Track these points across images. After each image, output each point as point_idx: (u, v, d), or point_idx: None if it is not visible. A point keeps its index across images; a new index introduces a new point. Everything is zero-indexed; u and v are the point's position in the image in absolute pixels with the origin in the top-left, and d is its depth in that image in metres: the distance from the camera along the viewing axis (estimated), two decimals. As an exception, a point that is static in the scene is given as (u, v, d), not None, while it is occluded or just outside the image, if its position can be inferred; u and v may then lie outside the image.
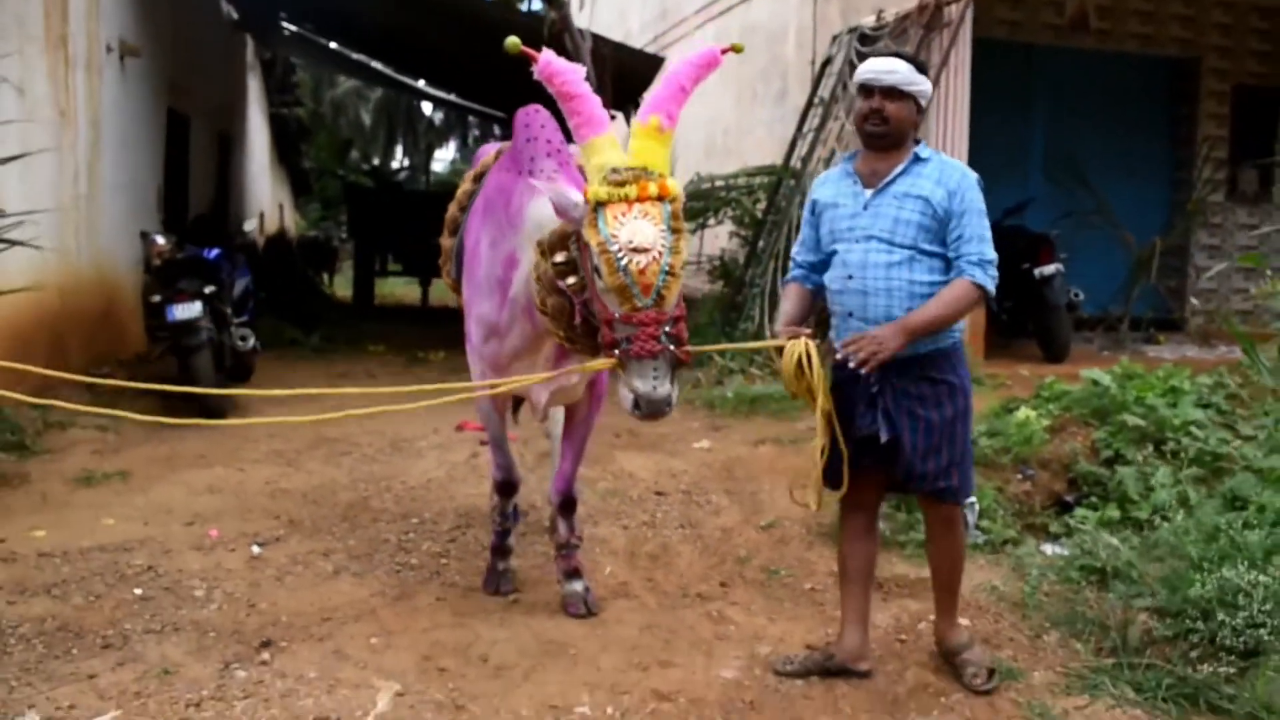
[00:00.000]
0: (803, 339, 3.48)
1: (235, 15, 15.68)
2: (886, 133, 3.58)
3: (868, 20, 9.70)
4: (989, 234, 3.55)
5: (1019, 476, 5.95)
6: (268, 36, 17.63)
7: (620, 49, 11.12)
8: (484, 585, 4.51)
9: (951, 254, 3.52)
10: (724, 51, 3.57)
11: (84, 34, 8.68)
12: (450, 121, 43.15)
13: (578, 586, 4.29)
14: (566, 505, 4.32)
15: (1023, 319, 9.71)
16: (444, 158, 45.88)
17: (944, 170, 3.58)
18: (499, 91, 15.39)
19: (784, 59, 12.10)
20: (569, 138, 3.65)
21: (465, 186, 4.52)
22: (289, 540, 5.04)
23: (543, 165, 3.76)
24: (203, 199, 13.68)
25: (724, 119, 14.01)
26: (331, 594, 4.39)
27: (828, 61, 10.33)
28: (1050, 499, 5.84)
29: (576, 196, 3.33)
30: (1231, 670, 3.59)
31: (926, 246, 3.52)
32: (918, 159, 3.60)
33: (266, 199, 20.84)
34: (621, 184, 3.21)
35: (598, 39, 10.43)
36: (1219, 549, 4.02)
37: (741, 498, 5.82)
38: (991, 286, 3.51)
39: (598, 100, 3.45)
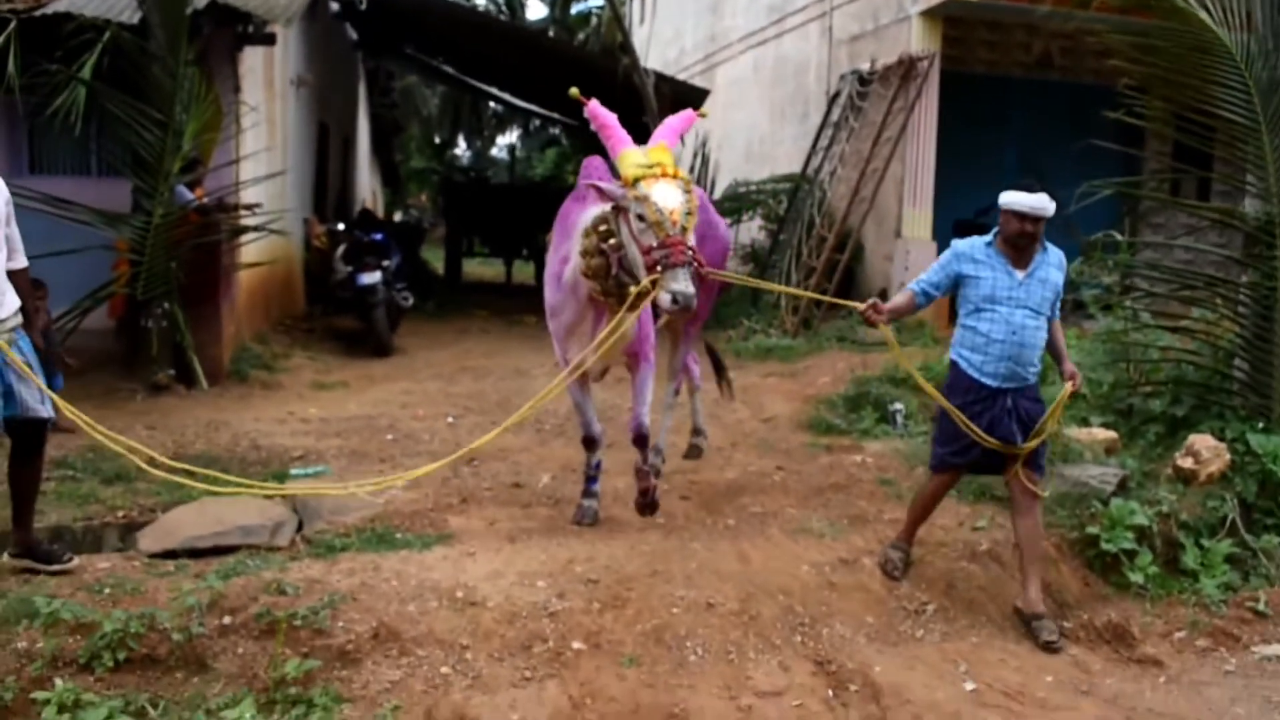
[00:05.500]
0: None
1: (355, 35, 18.83)
2: (1031, 245, 5.05)
3: (865, 66, 12.65)
4: None
5: (940, 396, 8.89)
6: (378, 53, 20.79)
7: (675, 84, 14.11)
8: (574, 519, 5.82)
9: (1050, 309, 5.11)
10: (698, 114, 5.70)
11: (280, 74, 11.81)
12: (511, 110, 45.94)
13: (644, 499, 5.72)
14: (637, 440, 5.71)
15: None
16: (504, 143, 48.54)
17: (1060, 258, 5.14)
18: (568, 101, 18.37)
19: (806, 87, 15.05)
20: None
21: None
22: (467, 417, 8.20)
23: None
24: (334, 190, 16.87)
25: (760, 130, 16.96)
26: (502, 440, 7.43)
27: (837, 95, 13.29)
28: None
29: (618, 187, 4.96)
30: (1006, 477, 6.52)
31: (1046, 312, 5.12)
32: (1045, 250, 5.12)
33: (366, 188, 24.07)
34: (649, 166, 4.89)
35: (659, 76, 13.42)
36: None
37: (752, 405, 8.84)
38: None
39: (621, 128, 5.19)
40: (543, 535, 5.54)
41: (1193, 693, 4.76)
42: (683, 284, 4.73)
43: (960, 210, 12.75)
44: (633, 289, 4.90)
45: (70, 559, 4.89)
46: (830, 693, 4.47)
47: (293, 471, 6.63)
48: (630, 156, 5.00)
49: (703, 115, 5.79)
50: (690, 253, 4.81)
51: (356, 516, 5.74)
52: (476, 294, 17.84)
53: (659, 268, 4.75)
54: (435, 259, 20.90)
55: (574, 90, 5.28)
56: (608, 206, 5.09)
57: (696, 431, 7.11)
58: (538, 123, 44.61)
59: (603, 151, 5.39)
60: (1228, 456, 6.36)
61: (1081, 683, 4.76)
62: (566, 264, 5.46)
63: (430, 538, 5.44)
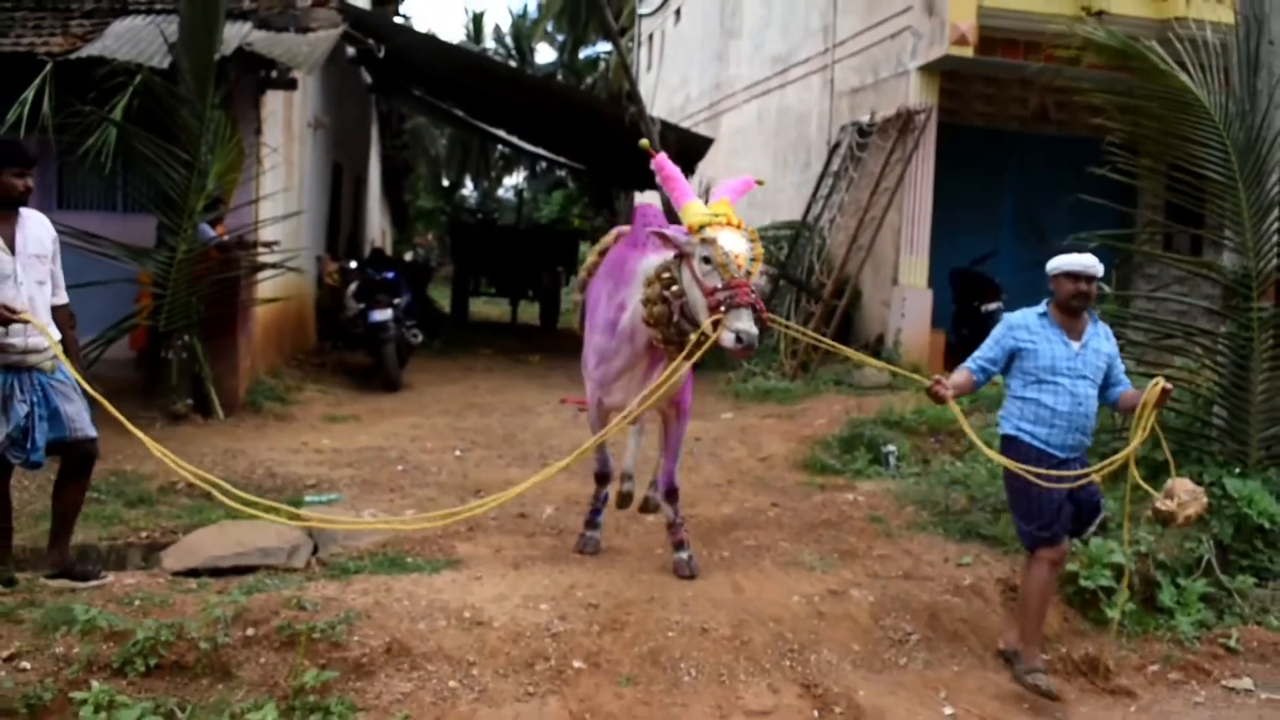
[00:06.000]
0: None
1: (370, 80, 19.27)
2: (1086, 305, 5.14)
3: (865, 117, 13.04)
4: None
5: (932, 439, 9.17)
6: (391, 96, 21.25)
7: (680, 132, 14.51)
8: (576, 548, 6.12)
9: (1114, 378, 5.23)
10: (757, 182, 5.82)
11: (298, 117, 12.20)
12: (518, 152, 46.37)
13: (683, 555, 5.82)
14: (670, 494, 5.91)
15: (973, 343, 12.87)
16: (511, 184, 49.06)
17: (1107, 330, 5.26)
18: (575, 146, 18.83)
19: (808, 136, 15.44)
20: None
21: (591, 259, 6.25)
22: (474, 450, 8.48)
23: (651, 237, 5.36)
24: (346, 229, 17.24)
25: (764, 176, 17.30)
26: (507, 473, 7.77)
27: (837, 145, 13.68)
28: (952, 452, 9.04)
29: (683, 234, 5.05)
30: (990, 515, 6.80)
31: (1100, 381, 5.22)
32: (1094, 320, 5.21)
33: (377, 227, 24.50)
34: (715, 214, 5.02)
35: (664, 124, 13.82)
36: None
37: (749, 444, 9.12)
38: None
39: (685, 180, 5.38)
40: (546, 562, 5.82)
41: (1161, 721, 5.02)
42: (746, 323, 4.79)
43: (957, 259, 13.09)
44: (693, 336, 4.96)
45: (105, 575, 5.24)
46: (815, 714, 4.72)
47: (307, 499, 6.91)
48: (695, 206, 5.14)
49: (760, 183, 5.96)
50: (753, 294, 4.90)
51: (369, 541, 6.02)
52: (482, 333, 18.17)
53: (722, 308, 4.81)
54: (441, 297, 21.25)
55: (644, 142, 5.54)
56: (669, 255, 5.20)
57: (628, 477, 6.60)
58: (544, 165, 45.29)
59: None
60: (1205, 500, 6.61)
61: (1056, 710, 5.00)
62: (623, 311, 5.53)
63: (439, 562, 5.73)
